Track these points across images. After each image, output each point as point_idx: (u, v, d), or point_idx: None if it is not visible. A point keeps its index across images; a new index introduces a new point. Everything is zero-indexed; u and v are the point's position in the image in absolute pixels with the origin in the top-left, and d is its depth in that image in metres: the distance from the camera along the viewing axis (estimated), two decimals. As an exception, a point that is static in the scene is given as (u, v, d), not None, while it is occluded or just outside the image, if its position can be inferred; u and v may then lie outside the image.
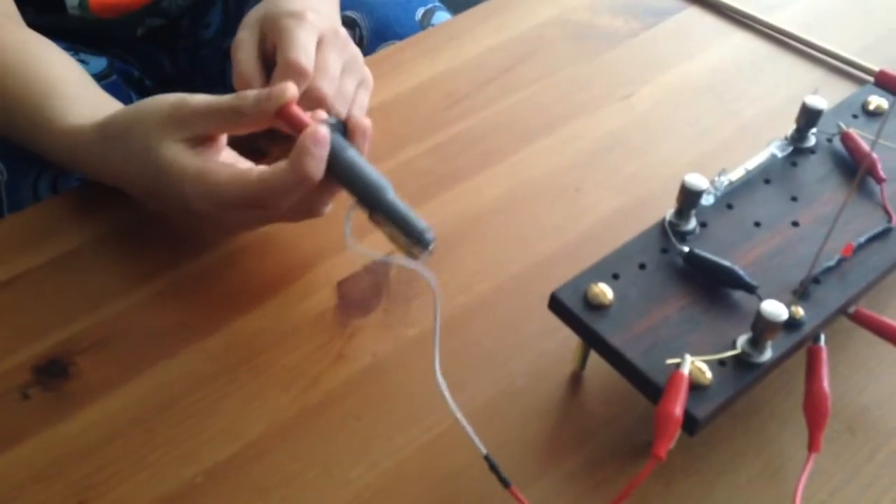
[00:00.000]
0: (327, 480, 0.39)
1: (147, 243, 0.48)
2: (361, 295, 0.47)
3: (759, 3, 0.68)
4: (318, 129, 0.42)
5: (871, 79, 0.61)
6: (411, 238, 0.39)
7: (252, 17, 0.53)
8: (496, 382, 0.43)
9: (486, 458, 0.35)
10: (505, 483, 0.35)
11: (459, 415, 0.36)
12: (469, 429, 0.35)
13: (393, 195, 0.40)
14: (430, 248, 0.39)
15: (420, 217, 0.40)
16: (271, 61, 0.50)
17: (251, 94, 0.44)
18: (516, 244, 0.50)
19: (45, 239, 0.48)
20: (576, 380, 0.44)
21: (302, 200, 0.44)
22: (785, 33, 0.65)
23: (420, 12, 0.72)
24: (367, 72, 0.53)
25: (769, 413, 0.42)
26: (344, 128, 0.44)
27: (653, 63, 0.64)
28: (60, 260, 0.47)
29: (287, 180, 0.42)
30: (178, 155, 0.44)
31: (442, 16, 0.73)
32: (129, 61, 0.77)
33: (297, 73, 0.47)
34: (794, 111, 0.48)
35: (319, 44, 0.50)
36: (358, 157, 0.42)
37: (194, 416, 0.41)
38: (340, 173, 0.42)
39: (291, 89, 0.43)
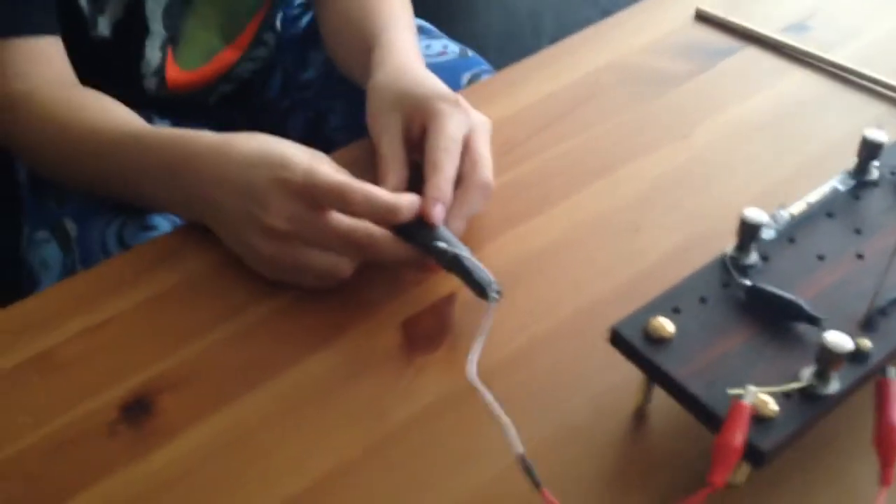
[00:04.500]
0: (395, 514, 0.40)
1: (222, 288, 0.51)
2: (426, 333, 0.48)
3: (818, 40, 0.69)
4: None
5: (937, 111, 0.60)
6: (478, 291, 0.46)
7: (388, 98, 0.55)
8: (557, 419, 0.44)
9: (521, 458, 0.37)
10: (537, 483, 0.36)
11: (498, 408, 0.38)
12: (509, 424, 0.37)
13: (467, 256, 0.47)
14: (496, 298, 0.45)
15: (486, 270, 0.46)
16: (417, 142, 0.54)
17: (375, 195, 0.47)
18: (573, 285, 0.51)
19: (132, 286, 0.51)
20: (639, 415, 0.44)
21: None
22: (845, 69, 0.65)
23: (466, 77, 0.75)
24: None
25: (840, 446, 0.41)
26: None
27: (711, 103, 0.64)
28: (145, 305, 0.50)
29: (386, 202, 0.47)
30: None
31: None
32: (203, 121, 0.81)
33: (446, 166, 0.50)
34: (857, 146, 0.48)
35: (471, 131, 0.53)
36: (445, 230, 0.49)
37: (267, 452, 0.43)
38: (429, 238, 0.48)
39: (404, 213, 0.48)
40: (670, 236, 0.54)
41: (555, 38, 0.77)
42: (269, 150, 0.49)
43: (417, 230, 0.48)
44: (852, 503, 0.39)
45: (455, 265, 0.47)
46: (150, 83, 0.71)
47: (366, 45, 0.62)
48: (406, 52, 0.60)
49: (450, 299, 0.50)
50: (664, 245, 0.53)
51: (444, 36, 0.85)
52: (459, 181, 0.50)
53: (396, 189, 0.51)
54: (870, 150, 0.46)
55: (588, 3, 1.19)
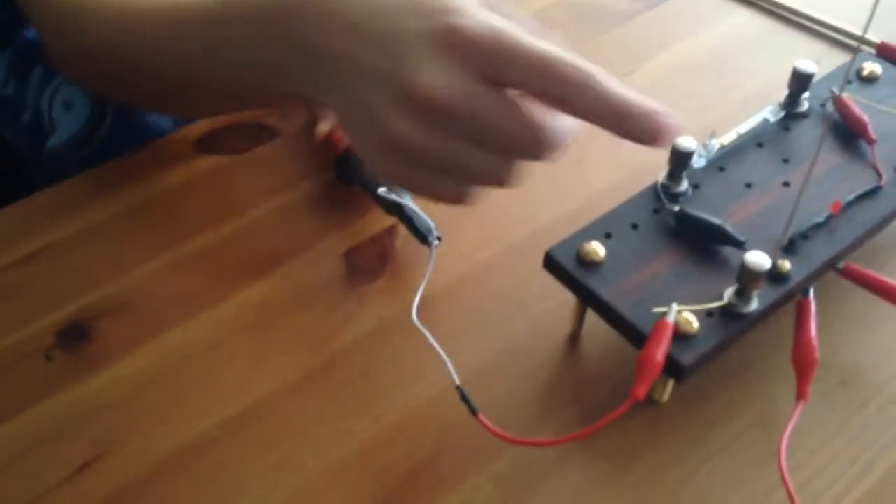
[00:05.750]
0: (333, 433, 0.41)
1: (161, 218, 0.50)
2: (368, 263, 0.49)
3: (763, -20, 0.69)
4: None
5: (873, 51, 0.62)
6: (419, 237, 0.46)
7: None
8: (496, 342, 0.45)
9: (458, 388, 0.38)
10: (473, 411, 0.38)
11: (436, 344, 0.39)
12: (447, 359, 0.38)
13: (408, 203, 0.46)
14: (436, 244, 0.45)
15: (426, 216, 0.46)
16: None
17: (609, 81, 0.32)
18: (517, 214, 0.52)
19: (69, 215, 0.50)
20: (573, 339, 0.45)
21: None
22: (787, 9, 0.66)
23: None
24: None
25: (762, 367, 0.43)
26: None
27: (656, 41, 0.65)
28: (82, 234, 0.50)
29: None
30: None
31: None
32: None
33: None
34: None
35: None
36: None
37: (208, 375, 0.43)
38: (365, 181, 0.48)
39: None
40: (613, 169, 0.55)
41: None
42: None
43: (358, 168, 0.48)
44: (773, 418, 0.41)
45: (396, 210, 0.47)
46: None
47: None
48: None
49: (391, 231, 0.50)
50: (607, 177, 0.54)
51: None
52: None
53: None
54: (800, 81, 0.47)
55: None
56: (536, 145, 0.33)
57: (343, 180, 0.50)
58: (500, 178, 0.35)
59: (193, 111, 0.55)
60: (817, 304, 0.41)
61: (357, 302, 0.47)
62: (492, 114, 0.32)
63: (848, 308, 0.46)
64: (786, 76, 0.61)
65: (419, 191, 0.36)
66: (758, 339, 0.43)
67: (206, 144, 0.55)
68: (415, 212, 0.46)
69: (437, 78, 0.32)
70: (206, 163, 0.54)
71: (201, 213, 0.50)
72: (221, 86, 0.45)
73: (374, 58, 0.33)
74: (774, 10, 0.67)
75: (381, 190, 0.47)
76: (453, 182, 0.35)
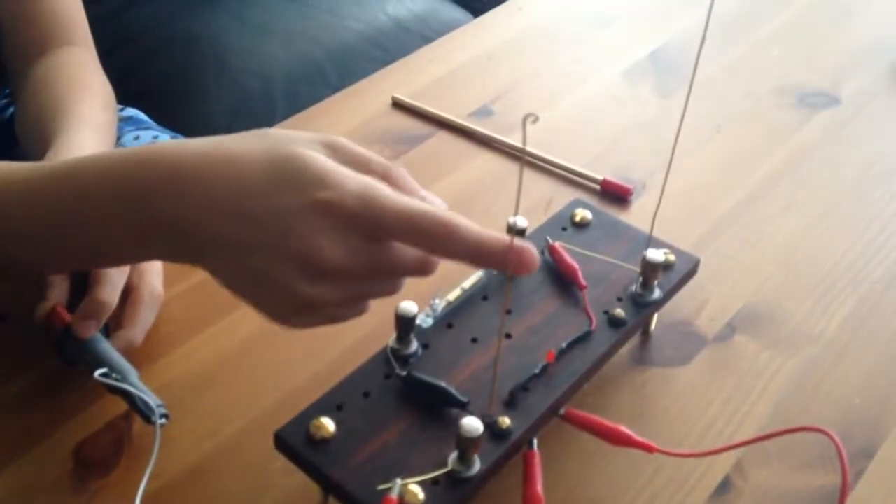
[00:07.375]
0: None
1: None
2: (101, 454, 0.46)
3: (499, 123, 0.75)
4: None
5: (598, 186, 0.68)
6: (143, 417, 0.45)
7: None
8: (240, 528, 0.43)
9: None
10: None
11: None
12: None
13: (128, 383, 0.45)
14: (163, 423, 0.44)
15: (150, 394, 0.45)
16: None
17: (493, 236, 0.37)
18: (268, 379, 0.51)
19: None
20: (321, 513, 0.44)
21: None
22: (523, 151, 0.71)
23: None
24: None
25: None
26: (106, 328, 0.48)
27: (406, 187, 0.68)
28: None
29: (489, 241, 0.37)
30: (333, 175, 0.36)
31: None
32: None
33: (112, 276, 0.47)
34: (534, 222, 0.52)
35: None
36: (109, 348, 0.47)
37: None
38: (87, 361, 0.46)
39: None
40: (363, 322, 0.55)
41: (286, 117, 0.78)
42: (291, 159, 0.37)
43: (79, 347, 0.46)
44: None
45: (117, 392, 0.45)
46: None
47: (46, 144, 0.59)
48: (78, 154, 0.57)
49: (126, 416, 0.48)
50: (358, 331, 0.55)
51: (155, 126, 0.83)
52: (127, 292, 0.49)
53: (59, 299, 0.49)
54: (515, 234, 0.50)
55: (320, 82, 1.22)
56: (423, 271, 0.39)
57: (65, 361, 0.47)
58: (393, 293, 0.40)
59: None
60: (548, 449, 0.42)
61: (87, 502, 0.44)
62: (386, 261, 0.38)
63: (579, 447, 0.48)
64: (523, 213, 0.66)
65: (326, 324, 0.40)
66: (492, 493, 0.44)
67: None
68: (137, 392, 0.44)
69: (335, 248, 0.36)
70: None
71: None
72: (66, 258, 0.45)
73: (258, 235, 0.36)
74: (511, 151, 0.72)
75: (100, 372, 0.45)
76: (355, 308, 0.40)
